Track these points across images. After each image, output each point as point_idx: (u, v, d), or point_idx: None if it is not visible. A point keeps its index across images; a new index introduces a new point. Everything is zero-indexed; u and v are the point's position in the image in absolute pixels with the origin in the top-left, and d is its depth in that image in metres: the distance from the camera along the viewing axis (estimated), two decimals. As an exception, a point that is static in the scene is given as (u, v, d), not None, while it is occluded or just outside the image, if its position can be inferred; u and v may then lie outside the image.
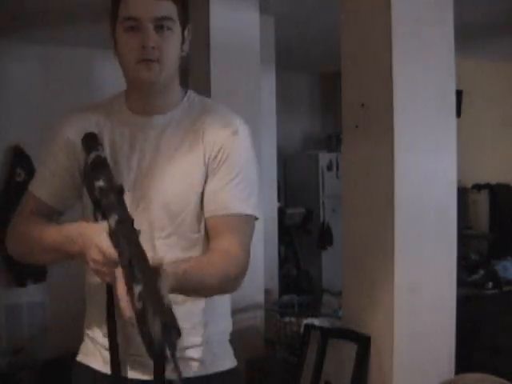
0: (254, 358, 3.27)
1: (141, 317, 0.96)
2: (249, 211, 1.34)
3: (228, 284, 1.30)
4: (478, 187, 5.48)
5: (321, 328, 2.58)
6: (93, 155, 1.24)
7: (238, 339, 1.54)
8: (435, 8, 2.34)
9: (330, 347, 2.45)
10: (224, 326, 1.48)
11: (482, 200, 5.42)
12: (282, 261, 4.96)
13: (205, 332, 1.39)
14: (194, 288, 1.21)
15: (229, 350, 1.48)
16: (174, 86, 1.39)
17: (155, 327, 0.92)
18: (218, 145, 1.34)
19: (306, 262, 5.22)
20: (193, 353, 1.37)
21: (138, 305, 0.97)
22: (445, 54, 2.36)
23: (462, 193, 4.99)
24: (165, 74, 1.31)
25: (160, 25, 1.29)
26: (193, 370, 1.38)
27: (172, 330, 0.92)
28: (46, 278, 4.25)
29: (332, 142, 5.82)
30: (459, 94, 4.42)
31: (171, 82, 1.37)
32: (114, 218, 1.10)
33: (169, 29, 1.30)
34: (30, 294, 4.28)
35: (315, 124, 6.14)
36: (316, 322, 2.78)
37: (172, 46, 1.32)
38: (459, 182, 2.54)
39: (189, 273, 1.17)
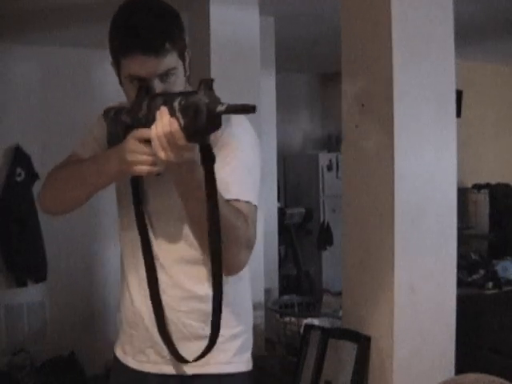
0: (254, 357, 3.26)
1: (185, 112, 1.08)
2: (246, 197, 1.34)
3: (230, 232, 1.25)
4: (478, 187, 5.47)
5: (321, 328, 2.57)
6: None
7: (238, 339, 1.54)
8: (435, 8, 2.33)
9: (330, 347, 2.45)
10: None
11: (482, 200, 5.41)
12: (282, 261, 4.96)
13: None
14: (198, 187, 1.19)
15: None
16: None
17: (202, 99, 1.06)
18: None
19: (306, 261, 5.21)
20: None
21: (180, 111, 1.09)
22: (445, 53, 2.36)
23: (462, 193, 4.99)
24: None
25: (165, 75, 1.28)
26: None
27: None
28: (46, 278, 4.25)
29: (332, 141, 5.82)
30: (459, 94, 4.41)
31: None
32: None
33: (173, 74, 1.30)
34: (30, 294, 4.28)
35: (315, 124, 6.14)
36: (316, 321, 2.78)
37: (178, 86, 1.32)
38: (459, 182, 2.54)
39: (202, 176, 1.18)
